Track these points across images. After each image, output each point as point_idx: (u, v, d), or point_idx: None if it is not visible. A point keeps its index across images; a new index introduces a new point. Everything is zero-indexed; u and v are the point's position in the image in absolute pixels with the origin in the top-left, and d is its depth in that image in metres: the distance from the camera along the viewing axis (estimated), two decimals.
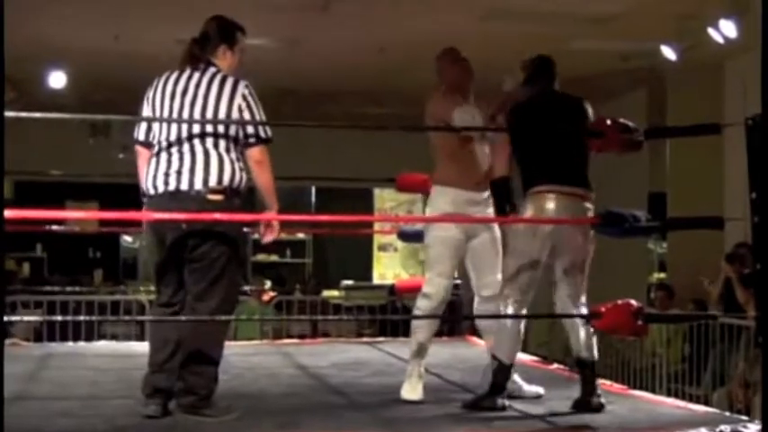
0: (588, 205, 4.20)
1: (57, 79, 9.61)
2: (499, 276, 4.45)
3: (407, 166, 5.84)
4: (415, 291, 5.49)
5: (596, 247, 4.26)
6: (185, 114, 3.81)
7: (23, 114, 3.82)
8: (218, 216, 3.67)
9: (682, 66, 8.79)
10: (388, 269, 14.60)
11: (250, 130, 3.85)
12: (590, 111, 4.35)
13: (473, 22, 7.79)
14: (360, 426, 3.65)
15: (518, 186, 4.33)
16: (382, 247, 14.52)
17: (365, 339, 7.72)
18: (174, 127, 3.81)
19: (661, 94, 9.76)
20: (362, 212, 12.19)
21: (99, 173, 9.85)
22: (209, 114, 3.80)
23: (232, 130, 3.82)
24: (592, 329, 4.07)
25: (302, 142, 9.71)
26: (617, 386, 5.00)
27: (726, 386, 7.26)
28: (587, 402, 4.09)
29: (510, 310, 4.19)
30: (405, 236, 6.22)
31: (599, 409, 4.08)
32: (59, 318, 7.18)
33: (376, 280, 13.85)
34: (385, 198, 14.14)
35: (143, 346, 4.40)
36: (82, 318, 8.71)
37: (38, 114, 4.81)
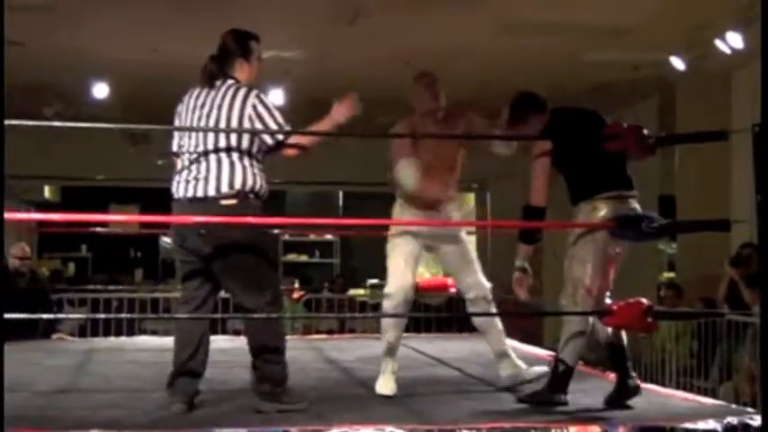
0: (635, 204, 4.09)
1: (100, 90, 9.67)
2: (478, 277, 4.49)
3: None
4: (436, 290, 5.50)
5: None
6: (203, 125, 3.85)
7: (70, 124, 3.87)
8: (230, 219, 3.70)
9: (691, 75, 8.76)
10: None
11: (267, 136, 3.87)
12: (606, 119, 4.29)
13: (492, 35, 7.79)
14: (386, 417, 3.65)
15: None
16: None
17: None
18: (193, 139, 3.87)
19: (671, 102, 9.70)
20: (386, 216, 12.17)
21: (139, 177, 9.93)
22: (222, 124, 3.82)
23: (244, 142, 3.84)
24: None
25: (331, 149, 9.74)
26: None
27: (732, 380, 7.22)
28: (625, 385, 4.02)
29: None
30: None
31: (636, 390, 4.03)
32: (102, 315, 7.24)
33: None
34: None
35: None
36: (123, 315, 8.77)
37: (82, 124, 4.85)
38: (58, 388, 4.46)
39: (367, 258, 13.96)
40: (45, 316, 6.51)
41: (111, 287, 10.03)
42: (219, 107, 3.84)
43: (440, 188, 4.53)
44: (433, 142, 4.51)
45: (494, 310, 4.63)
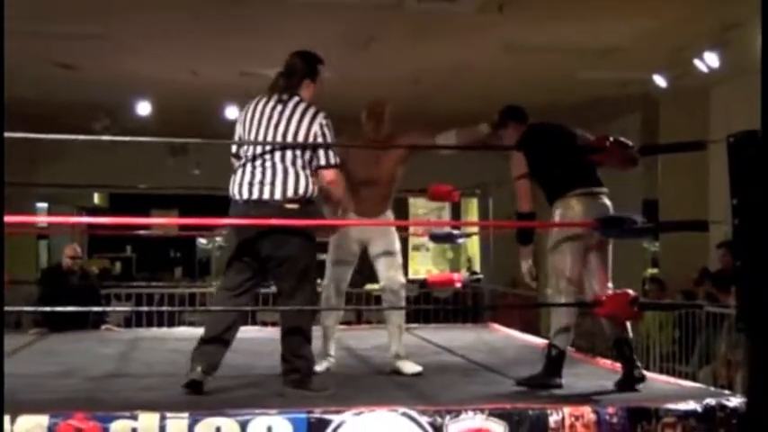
0: (606, 200, 4.13)
1: (143, 108, 9.72)
2: (392, 273, 4.65)
3: (436, 179, 5.82)
4: (444, 284, 5.49)
5: None
6: (270, 135, 3.82)
7: (117, 138, 3.87)
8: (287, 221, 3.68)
9: (672, 92, 8.75)
10: (421, 266, 14.60)
11: (322, 155, 3.85)
12: (577, 130, 4.31)
13: (495, 55, 7.80)
14: (400, 399, 3.64)
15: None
16: (416, 248, 14.52)
17: None
18: (259, 147, 3.82)
19: (655, 115, 9.69)
20: (399, 218, 12.19)
21: (178, 185, 9.96)
22: (290, 137, 3.80)
23: (307, 154, 3.83)
24: None
25: None
26: (617, 365, 4.94)
27: (710, 365, 7.18)
28: (632, 375, 4.00)
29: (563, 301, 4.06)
30: (435, 238, 6.21)
31: (642, 379, 4.01)
32: (146, 308, 7.25)
33: (410, 275, 13.84)
34: (418, 205, 14.13)
35: None
36: (165, 308, 8.78)
37: (128, 138, 4.86)
38: (107, 373, 4.48)
39: None
40: (95, 309, 6.54)
41: (153, 284, 10.07)
42: (289, 120, 3.81)
43: (369, 205, 4.62)
44: (372, 162, 4.54)
45: (402, 303, 4.68)
